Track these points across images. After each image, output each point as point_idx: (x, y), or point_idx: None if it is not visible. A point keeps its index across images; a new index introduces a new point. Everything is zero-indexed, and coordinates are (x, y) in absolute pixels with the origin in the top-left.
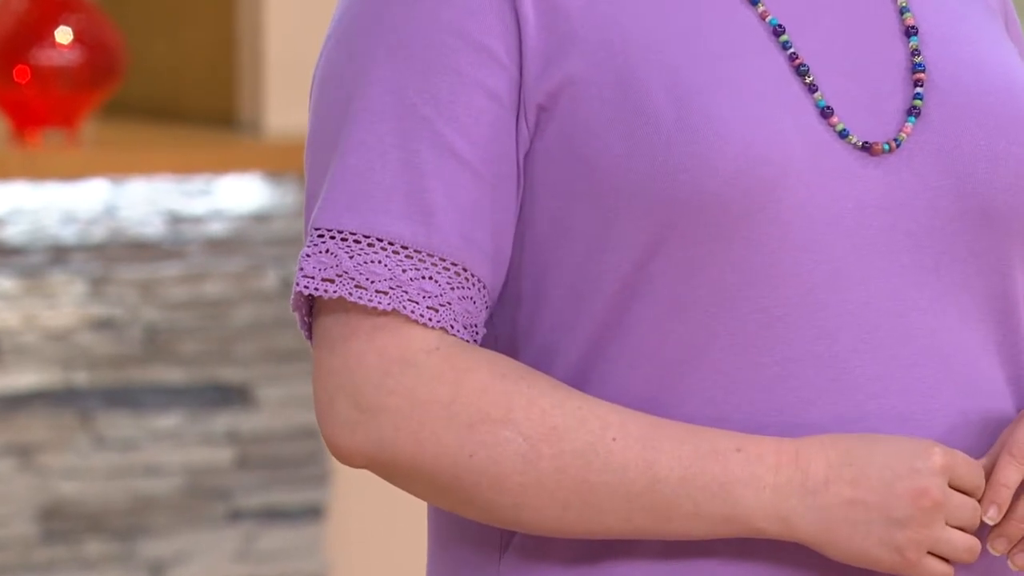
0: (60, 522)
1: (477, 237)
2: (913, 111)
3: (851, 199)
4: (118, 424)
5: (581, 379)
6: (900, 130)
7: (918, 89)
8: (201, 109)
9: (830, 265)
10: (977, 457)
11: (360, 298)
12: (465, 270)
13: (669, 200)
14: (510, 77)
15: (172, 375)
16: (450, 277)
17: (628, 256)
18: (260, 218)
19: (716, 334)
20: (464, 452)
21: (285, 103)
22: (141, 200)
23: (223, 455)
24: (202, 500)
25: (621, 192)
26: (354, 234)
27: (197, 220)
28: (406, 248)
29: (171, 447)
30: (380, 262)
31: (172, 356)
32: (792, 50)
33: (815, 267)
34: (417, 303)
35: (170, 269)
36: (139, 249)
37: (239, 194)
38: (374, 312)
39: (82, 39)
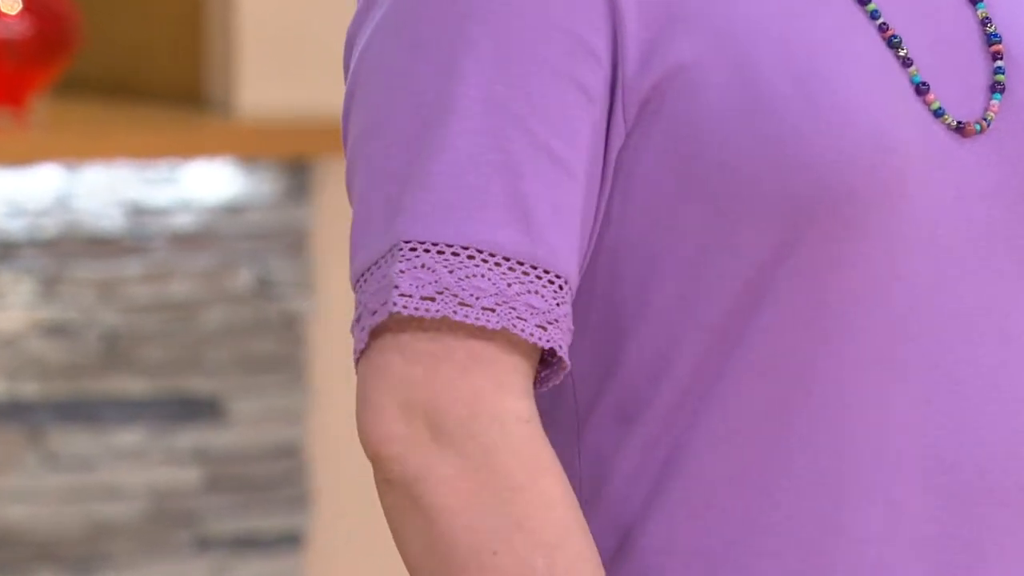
0: (7, 551)
1: (576, 247)
2: (997, 87)
3: (952, 187)
4: (73, 441)
5: (693, 402)
6: (987, 108)
7: (998, 63)
8: (166, 86)
9: (937, 263)
10: None
11: (466, 317)
12: (567, 283)
13: (800, 196)
14: (603, 69)
15: (134, 386)
16: (555, 291)
17: (751, 259)
18: (232, 209)
19: (840, 344)
20: (490, 545)
21: (260, 79)
22: (99, 189)
23: (190, 476)
24: (167, 526)
25: (742, 189)
26: (451, 246)
27: (162, 212)
28: (508, 260)
29: (132, 467)
30: (483, 276)
31: (134, 365)
32: (881, 19)
33: (929, 265)
34: (525, 320)
35: (131, 267)
36: (96, 244)
37: (209, 182)
38: (472, 335)
39: (32, 8)
